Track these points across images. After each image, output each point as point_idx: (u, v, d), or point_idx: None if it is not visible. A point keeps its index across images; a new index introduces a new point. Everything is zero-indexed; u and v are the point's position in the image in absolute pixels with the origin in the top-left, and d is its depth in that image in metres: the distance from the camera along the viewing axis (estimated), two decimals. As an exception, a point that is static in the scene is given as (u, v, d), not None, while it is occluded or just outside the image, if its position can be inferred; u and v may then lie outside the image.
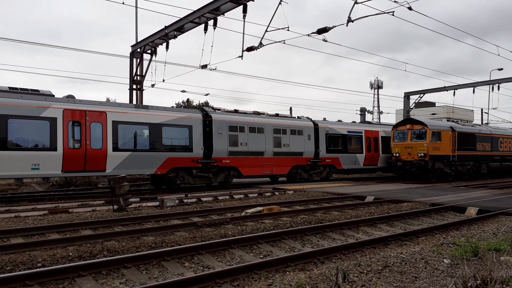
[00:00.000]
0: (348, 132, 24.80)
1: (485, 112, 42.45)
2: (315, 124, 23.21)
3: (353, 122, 27.84)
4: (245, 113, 20.54)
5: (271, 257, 6.56)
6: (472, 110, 53.15)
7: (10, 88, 14.15)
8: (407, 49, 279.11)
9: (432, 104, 55.68)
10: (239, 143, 19.33)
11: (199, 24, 17.00)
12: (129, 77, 21.17)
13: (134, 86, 21.09)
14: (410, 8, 13.01)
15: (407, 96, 33.12)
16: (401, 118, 31.22)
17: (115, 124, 15.67)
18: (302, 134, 22.09)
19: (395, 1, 12.76)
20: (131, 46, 21.07)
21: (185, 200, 13.69)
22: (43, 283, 5.12)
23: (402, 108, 33.87)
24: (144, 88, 21.32)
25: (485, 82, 30.42)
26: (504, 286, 4.42)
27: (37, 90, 14.70)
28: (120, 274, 5.65)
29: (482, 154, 26.48)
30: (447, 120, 34.31)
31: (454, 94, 30.47)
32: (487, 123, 41.10)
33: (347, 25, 13.27)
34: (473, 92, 29.97)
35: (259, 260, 6.18)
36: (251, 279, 5.37)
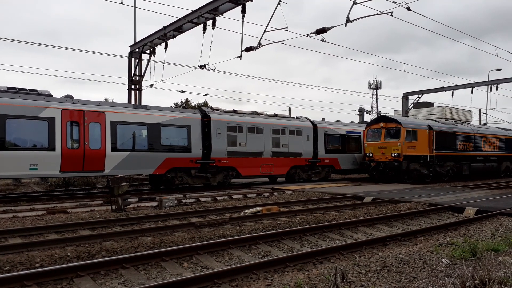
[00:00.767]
0: (347, 132, 24.82)
1: (483, 113, 42.59)
2: (314, 124, 23.22)
3: (352, 122, 27.87)
4: (243, 113, 20.54)
5: (270, 257, 6.56)
6: (470, 111, 53.26)
7: (8, 88, 14.12)
8: (405, 50, 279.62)
9: (430, 105, 55.73)
10: (238, 143, 19.32)
11: (197, 24, 16.99)
12: (127, 77, 21.15)
13: (133, 86, 21.07)
14: (408, 9, 13.03)
15: (405, 96, 33.17)
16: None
17: (114, 124, 15.65)
18: (301, 135, 22.09)
19: (393, 2, 12.78)
20: (130, 46, 21.05)
21: (183, 200, 13.68)
22: (41, 284, 5.11)
23: (401, 108, 33.91)
24: (142, 88, 21.32)
25: (484, 82, 30.49)
26: (502, 286, 4.43)
27: (36, 90, 14.67)
28: (118, 274, 5.65)
29: (464, 154, 25.18)
30: (446, 120, 34.24)
31: (452, 95, 30.51)
32: (485, 124, 41.20)
33: (345, 26, 13.28)
34: (472, 92, 30.02)
35: (258, 260, 6.18)
36: (250, 279, 5.37)
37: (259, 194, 16.01)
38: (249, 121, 20.01)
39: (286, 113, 32.29)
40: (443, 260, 6.10)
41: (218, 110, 19.63)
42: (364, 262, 5.89)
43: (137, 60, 20.95)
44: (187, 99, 41.82)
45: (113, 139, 15.56)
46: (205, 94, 34.47)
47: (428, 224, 9.93)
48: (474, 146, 26.23)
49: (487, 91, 30.69)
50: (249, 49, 15.68)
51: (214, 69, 18.39)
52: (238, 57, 15.76)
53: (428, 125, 23.03)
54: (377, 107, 67.98)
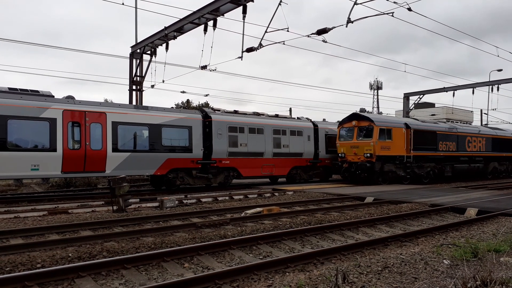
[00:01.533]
0: (348, 133, 24.77)
1: (485, 113, 42.52)
2: (315, 125, 23.21)
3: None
4: (244, 114, 20.55)
5: (271, 258, 6.55)
6: (471, 111, 53.19)
7: (9, 88, 14.15)
8: (405, 50, 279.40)
9: (431, 105, 55.73)
10: (239, 144, 19.33)
11: (199, 24, 17.01)
12: (128, 78, 21.17)
13: (134, 87, 21.09)
14: (409, 9, 13.02)
15: (406, 97, 33.13)
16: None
17: (115, 124, 15.67)
18: (302, 135, 22.09)
19: (394, 2, 12.77)
20: (131, 47, 21.08)
21: (184, 201, 13.68)
22: (42, 284, 5.11)
23: (402, 109, 33.88)
24: (143, 88, 21.33)
25: (485, 83, 30.45)
26: (503, 287, 4.42)
27: (37, 91, 14.70)
28: (119, 275, 5.65)
29: (446, 154, 23.76)
30: (447, 121, 34.11)
31: (453, 95, 30.49)
32: (486, 124, 41.12)
33: (346, 26, 13.28)
34: (473, 93, 29.98)
35: (259, 261, 6.18)
36: (251, 280, 5.37)
37: (260, 195, 16.01)
38: (250, 122, 20.01)
39: (287, 114, 32.29)
40: (444, 260, 6.09)
41: (219, 110, 19.64)
42: (365, 262, 5.88)
43: (138, 61, 20.97)
44: (188, 100, 41.88)
45: (114, 140, 15.57)
46: (206, 95, 34.55)
47: (430, 224, 9.91)
48: (458, 146, 24.80)
49: (488, 92, 30.69)
50: (250, 49, 15.68)
51: (215, 69, 18.41)
52: (239, 57, 15.77)
53: (405, 124, 21.83)
54: (378, 107, 67.95)
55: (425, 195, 15.23)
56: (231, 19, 16.11)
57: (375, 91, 69.49)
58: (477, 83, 30.43)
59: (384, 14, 13.27)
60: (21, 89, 14.38)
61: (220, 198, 14.69)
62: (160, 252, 6.31)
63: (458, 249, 6.63)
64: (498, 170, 29.14)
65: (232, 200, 14.67)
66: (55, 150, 14.22)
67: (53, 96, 14.96)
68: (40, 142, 14.14)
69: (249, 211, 10.95)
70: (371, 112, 41.64)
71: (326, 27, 13.93)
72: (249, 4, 14.72)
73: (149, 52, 20.46)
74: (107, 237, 7.78)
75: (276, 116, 22.14)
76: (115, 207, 11.41)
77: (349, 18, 13.15)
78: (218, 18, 16.01)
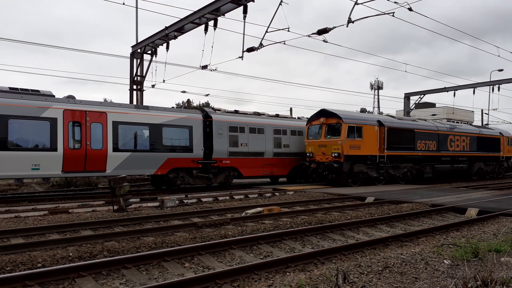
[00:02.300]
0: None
1: (485, 113, 42.49)
2: (315, 124, 23.18)
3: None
4: (245, 113, 20.55)
5: (271, 257, 6.55)
6: (472, 111, 53.19)
7: (10, 88, 14.17)
8: (405, 50, 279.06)
9: (432, 105, 55.70)
10: (239, 144, 19.33)
11: (199, 24, 17.01)
12: (129, 77, 21.18)
13: (135, 87, 21.10)
14: (410, 9, 13.02)
15: (407, 97, 33.15)
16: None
17: (116, 124, 15.67)
18: (303, 135, 22.09)
19: (395, 2, 12.77)
20: (132, 47, 21.08)
21: (185, 201, 13.68)
22: (43, 284, 5.11)
23: (402, 109, 33.88)
24: (144, 88, 21.34)
25: (486, 83, 30.46)
26: (504, 287, 4.41)
27: (38, 91, 14.71)
28: (120, 274, 5.65)
29: (425, 154, 22.29)
30: (447, 121, 34.07)
31: (454, 95, 30.50)
32: (487, 124, 41.08)
33: (347, 26, 13.28)
34: (473, 93, 30.01)
35: (259, 261, 6.18)
36: (251, 280, 5.37)
37: (261, 195, 16.01)
38: (250, 122, 20.01)
39: (288, 114, 32.27)
40: (445, 260, 6.09)
41: (219, 110, 19.65)
42: (366, 262, 5.88)
43: (138, 61, 20.98)
44: (188, 100, 41.79)
45: (115, 140, 15.58)
46: (207, 95, 34.44)
47: (430, 224, 9.91)
48: (439, 145, 23.33)
49: (489, 92, 30.70)
50: (250, 49, 15.68)
51: (215, 69, 18.40)
52: (239, 57, 15.77)
53: (378, 121, 20.31)
54: (378, 107, 67.91)
55: (426, 195, 15.22)
56: (231, 19, 16.15)
57: (376, 91, 69.48)
58: (478, 83, 30.45)
59: (385, 14, 13.27)
60: (21, 89, 14.40)
61: (220, 198, 14.69)
62: (160, 252, 6.32)
63: (459, 249, 6.63)
64: (484, 171, 27.73)
65: (232, 200, 14.67)
66: (55, 149, 14.23)
67: (54, 96, 14.97)
68: (41, 141, 14.15)
69: (250, 211, 10.95)
70: (371, 112, 41.48)
71: (326, 27, 13.93)
72: (249, 4, 14.74)
73: (149, 52, 20.47)
74: (108, 237, 7.79)
75: (277, 116, 22.15)
76: (115, 207, 11.42)
77: (349, 18, 13.15)
78: (219, 18, 16.02)
